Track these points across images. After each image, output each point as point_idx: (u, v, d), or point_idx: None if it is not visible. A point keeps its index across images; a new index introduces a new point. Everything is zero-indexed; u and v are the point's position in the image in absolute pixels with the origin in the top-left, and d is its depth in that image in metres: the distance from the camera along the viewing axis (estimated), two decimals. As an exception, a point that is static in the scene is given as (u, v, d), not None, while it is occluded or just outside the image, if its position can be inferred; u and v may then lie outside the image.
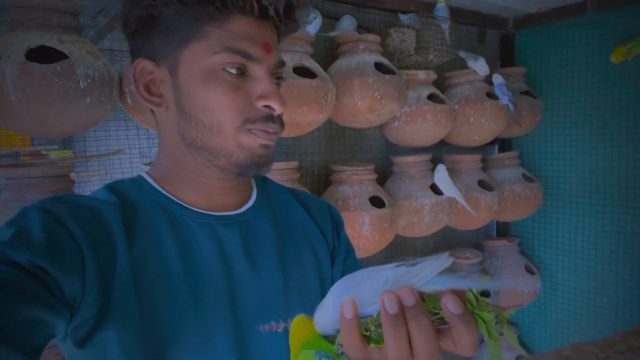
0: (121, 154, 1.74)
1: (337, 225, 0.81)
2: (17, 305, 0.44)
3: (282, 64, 0.64)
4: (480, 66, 1.98)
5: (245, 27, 0.58)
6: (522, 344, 2.50)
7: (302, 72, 1.50)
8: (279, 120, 0.63)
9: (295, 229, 0.75)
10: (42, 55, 1.11)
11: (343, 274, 0.75)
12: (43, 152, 2.73)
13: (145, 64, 0.61)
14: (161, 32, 0.59)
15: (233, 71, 0.58)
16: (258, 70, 0.60)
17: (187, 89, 0.59)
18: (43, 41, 1.12)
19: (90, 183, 1.86)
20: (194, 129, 0.60)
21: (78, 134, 1.75)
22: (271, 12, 0.59)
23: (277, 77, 0.64)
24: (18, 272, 0.46)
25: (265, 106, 0.60)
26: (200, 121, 0.60)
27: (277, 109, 0.60)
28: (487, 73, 2.00)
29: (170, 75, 0.61)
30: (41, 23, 1.14)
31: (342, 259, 0.79)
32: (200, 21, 0.57)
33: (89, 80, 1.16)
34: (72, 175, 1.37)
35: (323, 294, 0.72)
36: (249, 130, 0.60)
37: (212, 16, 0.57)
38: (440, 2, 1.88)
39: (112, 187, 0.64)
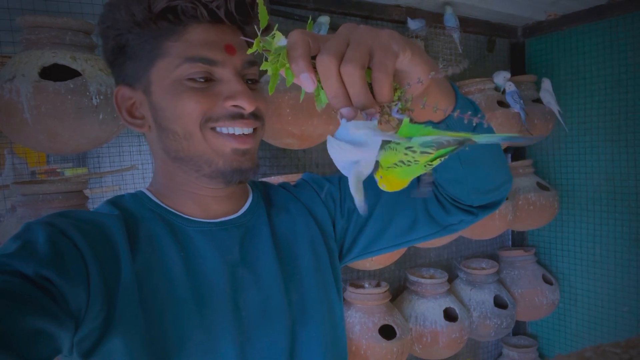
0: (134, 169, 1.76)
1: (317, 187, 0.81)
2: (23, 315, 0.44)
3: (251, 64, 0.63)
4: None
5: (203, 34, 0.60)
6: (542, 356, 2.45)
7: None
8: (252, 116, 0.62)
9: (292, 224, 0.75)
10: (56, 73, 1.13)
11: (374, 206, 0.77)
12: (58, 170, 2.77)
13: (124, 91, 0.64)
14: (131, 58, 0.62)
15: (199, 79, 0.60)
16: (223, 73, 0.60)
17: (161, 104, 0.61)
18: (56, 59, 1.14)
19: (104, 199, 1.88)
20: (172, 141, 0.62)
21: (92, 151, 1.77)
22: (222, 14, 0.59)
23: (249, 78, 0.64)
24: (24, 283, 0.47)
25: (234, 106, 0.60)
26: (175, 132, 0.61)
27: (246, 107, 0.60)
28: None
29: (145, 96, 0.63)
30: (54, 42, 1.16)
31: (353, 202, 0.79)
32: (161, 39, 0.60)
33: (101, 97, 1.17)
34: (86, 191, 1.39)
35: (324, 284, 0.73)
36: (212, 129, 0.60)
37: (170, 31, 0.59)
38: (446, 11, 1.88)
39: (113, 202, 0.66)
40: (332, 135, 0.47)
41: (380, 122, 0.46)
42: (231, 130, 0.61)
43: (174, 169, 0.65)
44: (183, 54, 0.59)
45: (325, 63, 0.44)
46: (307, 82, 0.45)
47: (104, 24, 0.62)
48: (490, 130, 0.61)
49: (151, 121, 0.64)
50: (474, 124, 0.63)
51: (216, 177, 0.63)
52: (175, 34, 0.59)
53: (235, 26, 0.63)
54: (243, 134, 0.62)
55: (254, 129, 0.64)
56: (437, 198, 0.76)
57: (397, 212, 0.77)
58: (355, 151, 0.45)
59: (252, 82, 0.65)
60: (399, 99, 0.47)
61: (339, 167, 0.49)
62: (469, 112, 0.46)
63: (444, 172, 0.71)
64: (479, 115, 0.48)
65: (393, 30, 0.47)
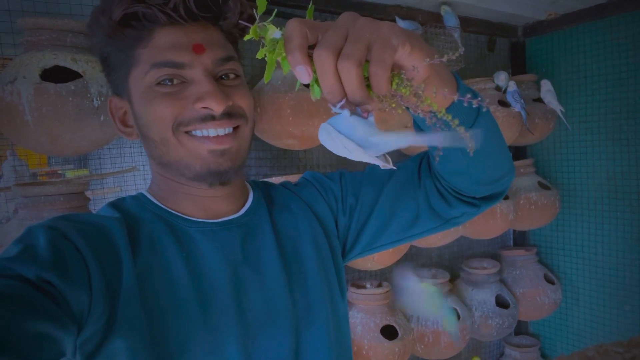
0: (135, 171, 1.76)
1: (319, 185, 0.80)
2: (26, 318, 0.44)
3: (226, 60, 0.62)
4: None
5: (169, 37, 0.59)
6: (544, 356, 2.44)
7: (312, 84, 1.51)
8: (225, 116, 0.60)
9: (294, 223, 0.74)
10: (57, 75, 1.14)
11: (379, 198, 0.78)
12: (59, 172, 2.77)
13: (115, 101, 0.66)
14: (114, 69, 0.63)
15: (167, 83, 0.59)
16: (193, 74, 0.60)
17: (139, 112, 0.62)
18: (57, 61, 1.14)
19: (105, 200, 1.88)
20: (154, 148, 0.63)
21: (93, 153, 1.78)
22: (181, 14, 0.58)
23: (225, 73, 0.63)
24: (26, 287, 0.47)
25: (204, 107, 0.59)
26: (153, 139, 0.62)
27: (215, 108, 0.59)
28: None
29: (129, 105, 0.64)
30: (55, 44, 1.16)
31: (355, 199, 0.78)
32: (132, 47, 0.60)
33: (102, 99, 1.17)
34: (88, 193, 1.39)
35: (328, 282, 0.73)
36: (186, 132, 0.60)
37: (139, 38, 0.59)
38: (443, 10, 1.87)
39: (114, 204, 0.66)
40: (327, 125, 0.47)
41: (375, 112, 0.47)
42: (205, 133, 0.60)
43: (164, 172, 0.66)
44: (151, 60, 0.59)
45: (322, 57, 0.43)
46: (302, 74, 0.45)
47: (89, 39, 0.64)
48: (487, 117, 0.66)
49: (137, 129, 0.65)
50: (477, 113, 0.64)
51: (197, 179, 0.62)
52: (144, 40, 0.59)
53: (207, 22, 0.62)
54: (218, 135, 0.61)
55: (235, 128, 0.63)
56: (439, 191, 0.75)
57: (399, 207, 0.77)
58: (361, 152, 0.46)
59: (229, 77, 0.63)
60: (396, 90, 0.47)
61: (332, 150, 0.49)
62: (468, 95, 0.46)
63: (447, 164, 0.70)
64: (479, 99, 0.48)
65: (394, 23, 0.47)
